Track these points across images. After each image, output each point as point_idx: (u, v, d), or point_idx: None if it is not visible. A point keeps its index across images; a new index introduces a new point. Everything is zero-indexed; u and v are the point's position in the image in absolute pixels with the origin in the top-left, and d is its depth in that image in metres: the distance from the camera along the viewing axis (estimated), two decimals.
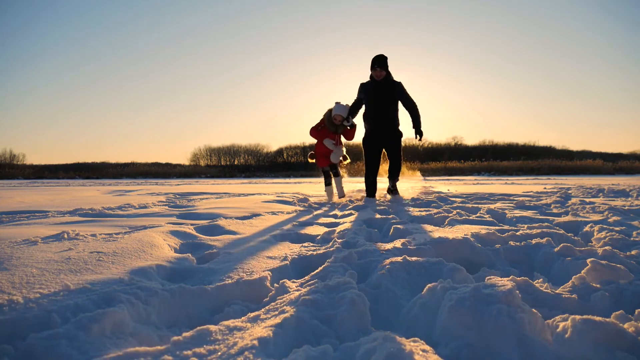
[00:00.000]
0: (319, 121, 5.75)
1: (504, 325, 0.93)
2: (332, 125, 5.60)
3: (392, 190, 5.60)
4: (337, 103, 5.58)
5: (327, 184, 5.88)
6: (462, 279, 1.35)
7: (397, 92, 5.30)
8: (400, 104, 5.44)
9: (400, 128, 5.50)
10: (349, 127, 5.62)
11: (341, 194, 5.78)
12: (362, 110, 5.60)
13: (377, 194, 5.74)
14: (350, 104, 5.57)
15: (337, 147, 5.63)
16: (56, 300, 1.11)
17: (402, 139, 5.49)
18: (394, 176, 5.52)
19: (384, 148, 5.47)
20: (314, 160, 5.89)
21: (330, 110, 5.64)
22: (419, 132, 5.36)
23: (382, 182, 7.50)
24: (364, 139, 5.54)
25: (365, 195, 5.81)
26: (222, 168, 47.83)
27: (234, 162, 54.58)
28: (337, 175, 5.75)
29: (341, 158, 5.77)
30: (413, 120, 5.35)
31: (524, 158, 38.86)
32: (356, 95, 5.51)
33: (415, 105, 5.32)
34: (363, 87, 5.44)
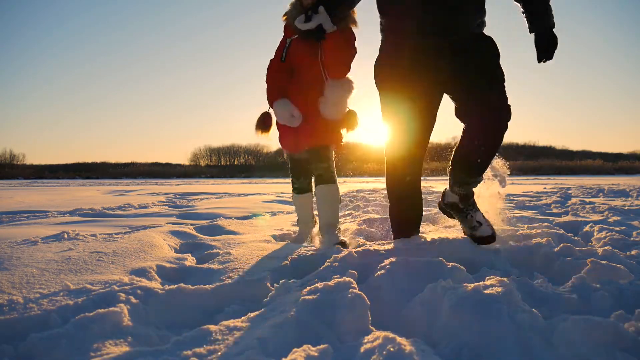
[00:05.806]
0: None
1: (504, 325, 0.93)
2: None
3: (463, 206, 1.92)
4: None
5: (301, 190, 2.38)
6: (462, 279, 1.35)
7: None
8: None
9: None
10: (325, 32, 1.93)
11: (331, 240, 2.03)
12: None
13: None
14: None
15: (334, 82, 2.10)
16: (56, 300, 1.11)
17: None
18: (478, 170, 1.84)
19: (446, 92, 1.84)
20: (266, 133, 2.31)
21: None
22: (548, 42, 1.78)
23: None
24: (377, 66, 1.89)
25: (389, 228, 2.20)
26: (222, 168, 47.87)
27: (234, 162, 54.60)
28: (325, 181, 2.16)
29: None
30: (530, 10, 1.78)
31: (524, 158, 38.85)
32: None
33: None
34: None
